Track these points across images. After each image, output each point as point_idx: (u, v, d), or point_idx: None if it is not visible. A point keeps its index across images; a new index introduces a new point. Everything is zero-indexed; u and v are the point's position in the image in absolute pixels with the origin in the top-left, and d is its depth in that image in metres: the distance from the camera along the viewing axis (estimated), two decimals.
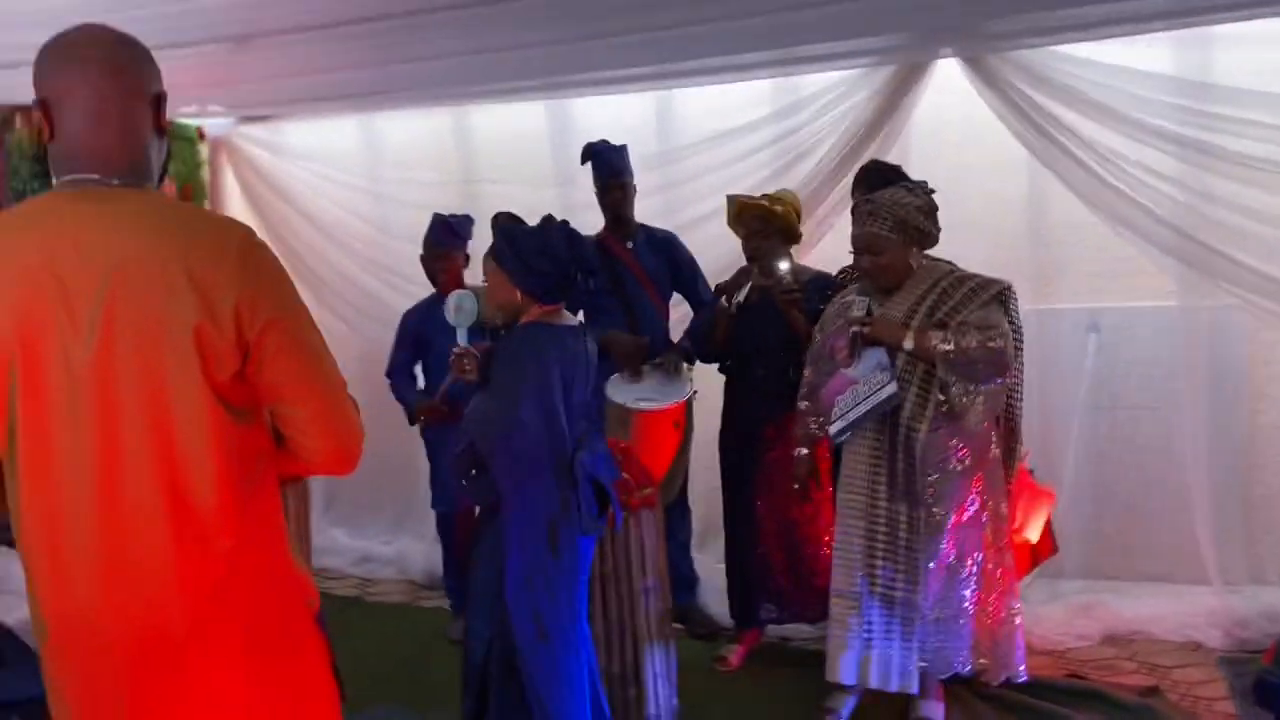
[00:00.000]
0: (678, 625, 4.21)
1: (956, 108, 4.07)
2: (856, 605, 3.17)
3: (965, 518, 3.11)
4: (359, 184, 5.22)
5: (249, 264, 1.57)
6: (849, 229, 3.24)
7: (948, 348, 2.96)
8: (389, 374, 4.18)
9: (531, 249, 2.69)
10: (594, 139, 4.11)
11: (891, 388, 3.03)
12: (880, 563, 3.13)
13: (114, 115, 1.58)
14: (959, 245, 4.12)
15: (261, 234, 5.27)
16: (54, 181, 1.62)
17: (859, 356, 3.10)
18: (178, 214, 1.64)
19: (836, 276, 3.74)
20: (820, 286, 3.68)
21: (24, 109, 4.60)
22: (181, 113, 5.13)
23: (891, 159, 3.88)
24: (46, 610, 1.58)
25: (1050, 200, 4.14)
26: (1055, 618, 3.98)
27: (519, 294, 2.74)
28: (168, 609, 1.55)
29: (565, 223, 2.78)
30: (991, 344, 2.96)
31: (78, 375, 1.50)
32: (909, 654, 3.14)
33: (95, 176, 1.56)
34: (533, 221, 4.00)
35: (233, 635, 1.60)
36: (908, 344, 3.02)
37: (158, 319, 1.51)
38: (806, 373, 3.42)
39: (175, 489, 1.53)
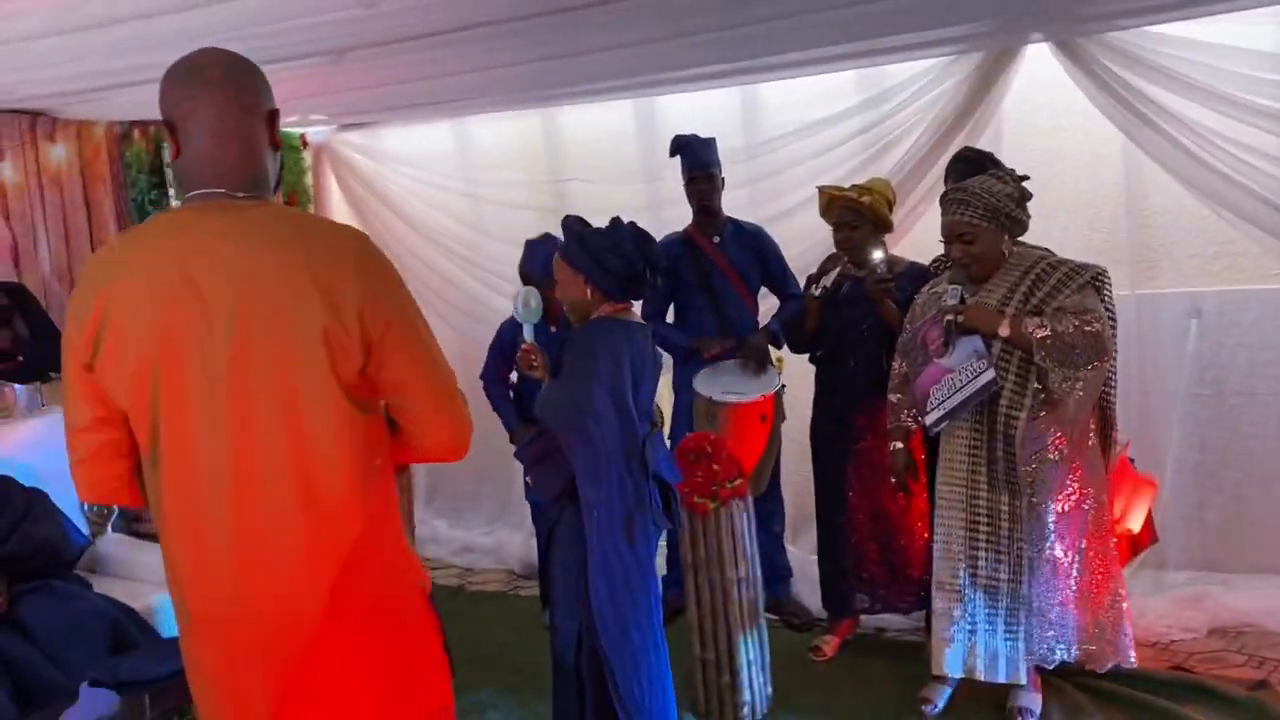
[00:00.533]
0: (772, 616, 4.26)
1: (1048, 92, 4.02)
2: (959, 597, 3.17)
3: (1065, 507, 3.08)
4: (453, 185, 5.36)
5: (366, 268, 1.66)
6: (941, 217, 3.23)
7: (1044, 333, 2.94)
8: (483, 377, 4.26)
9: (602, 247, 2.78)
10: (682, 133, 4.15)
11: (989, 374, 3.01)
12: (982, 554, 3.13)
13: (235, 132, 1.68)
14: (1055, 232, 4.09)
15: None
16: (180, 196, 1.73)
17: (953, 346, 3.08)
18: (299, 222, 1.75)
19: (929, 266, 3.73)
20: (914, 277, 3.67)
21: (141, 124, 4.85)
22: (286, 121, 5.35)
23: (982, 146, 3.85)
24: (189, 595, 1.70)
25: (1148, 183, 4.04)
26: (1159, 609, 3.90)
27: (589, 291, 2.81)
28: (301, 592, 1.66)
29: (633, 223, 2.86)
30: (1089, 328, 2.93)
31: (215, 378, 1.61)
32: (1014, 644, 3.13)
33: (221, 190, 1.67)
34: (624, 218, 4.06)
35: (360, 615, 1.70)
36: (1003, 330, 3.00)
37: (288, 322, 1.61)
38: (896, 364, 3.41)
39: (306, 480, 1.64)
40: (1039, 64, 3.94)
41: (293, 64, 3.61)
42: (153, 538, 4.52)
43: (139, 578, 3.77)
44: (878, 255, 3.60)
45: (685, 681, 3.62)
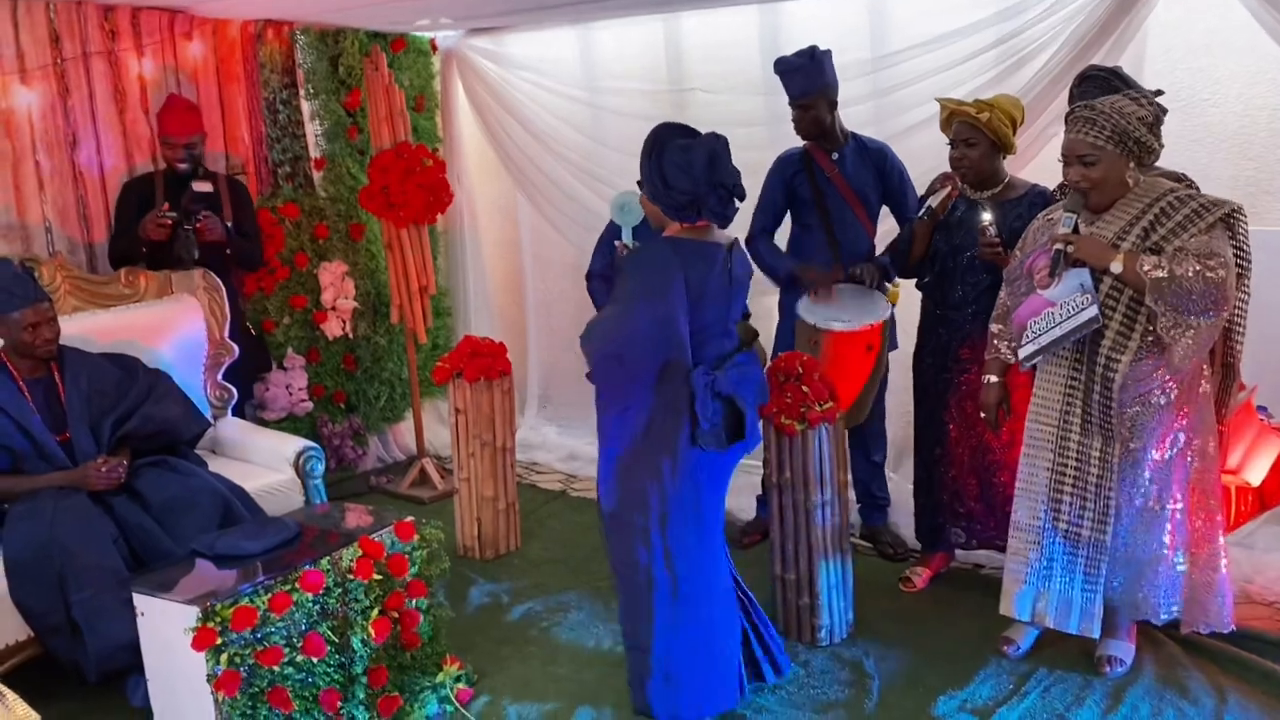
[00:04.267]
0: (867, 544, 4.21)
1: (1201, 6, 3.68)
2: (1038, 541, 3.05)
3: (1166, 455, 2.90)
4: (575, 94, 5.32)
5: None
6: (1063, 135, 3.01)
7: (1160, 274, 2.72)
8: (588, 275, 4.26)
9: (672, 165, 2.69)
10: (804, 45, 3.97)
11: (1092, 310, 2.83)
12: (1067, 499, 2.99)
13: None
14: (1202, 160, 3.79)
15: (485, 141, 5.54)
16: None
17: (1059, 277, 2.89)
18: None
19: (1053, 192, 3.51)
20: (1035, 201, 3.47)
21: (274, 24, 4.97)
22: (416, 26, 5.40)
23: (1124, 64, 3.56)
24: None
25: None
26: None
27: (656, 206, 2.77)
28: None
29: (719, 140, 2.74)
30: (1210, 274, 2.69)
31: None
32: (1092, 595, 3.00)
33: None
34: (743, 130, 3.92)
35: None
36: (1115, 266, 2.79)
37: None
38: (1002, 293, 3.25)
39: None
40: None
41: None
42: (271, 424, 4.78)
43: (252, 460, 3.99)
44: (987, 217, 3.38)
45: (766, 600, 3.63)
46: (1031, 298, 2.97)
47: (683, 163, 2.68)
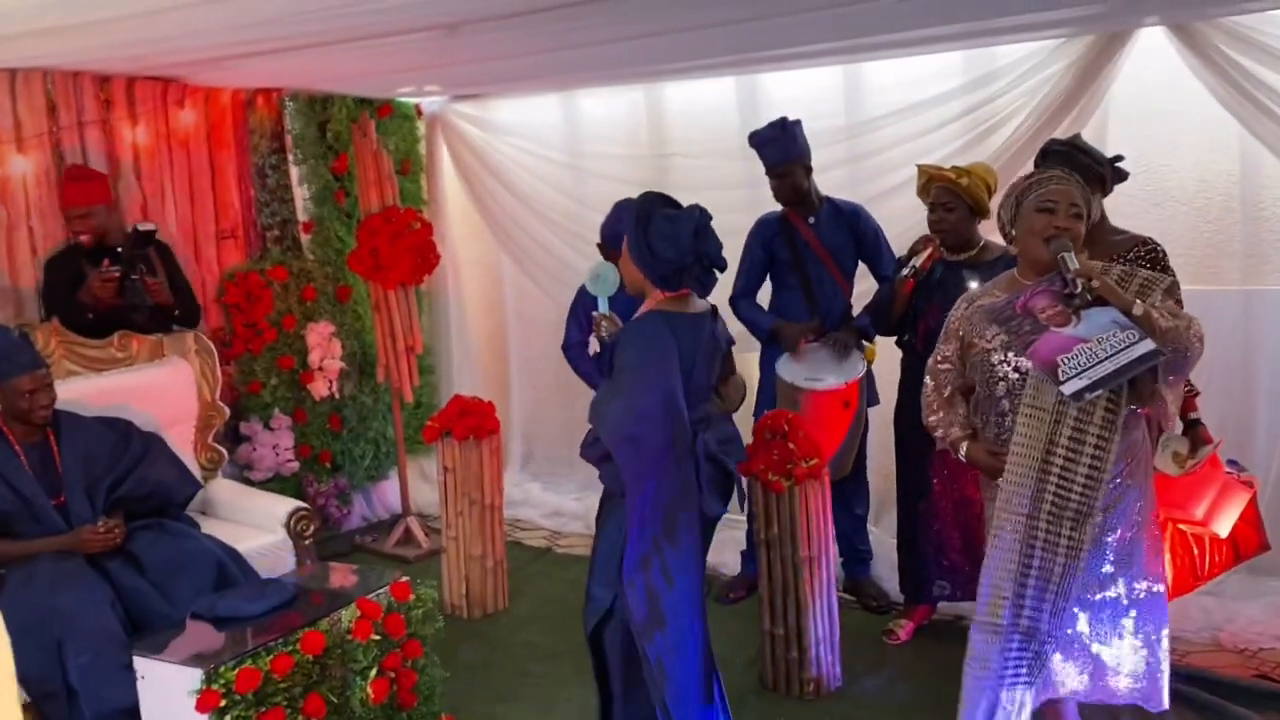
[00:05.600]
0: (850, 597, 4.28)
1: (1160, 79, 3.88)
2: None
3: (1129, 535, 2.73)
4: (558, 158, 5.46)
5: None
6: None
7: (1167, 324, 2.59)
8: (564, 346, 4.26)
9: (659, 234, 2.73)
10: (781, 112, 4.11)
11: (1147, 344, 2.56)
12: (1029, 593, 2.67)
13: None
14: (1163, 222, 3.97)
15: (469, 204, 5.60)
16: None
17: (1079, 315, 2.65)
18: None
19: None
20: (1011, 264, 3.60)
21: (264, 91, 5.09)
22: (400, 92, 5.54)
23: (1088, 133, 3.73)
24: None
25: (1264, 175, 3.89)
26: (1251, 615, 3.80)
27: (640, 274, 2.81)
28: None
29: (703, 214, 2.79)
30: (1193, 327, 2.63)
31: None
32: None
33: None
34: (722, 194, 3.97)
35: None
36: (1137, 309, 2.60)
37: None
38: (928, 386, 2.93)
39: None
40: (1151, 48, 3.80)
41: (408, 37, 3.75)
42: (258, 484, 4.82)
43: (245, 521, 4.02)
44: (974, 286, 3.39)
45: (754, 655, 3.70)
46: (1048, 335, 2.70)
47: (670, 233, 2.73)
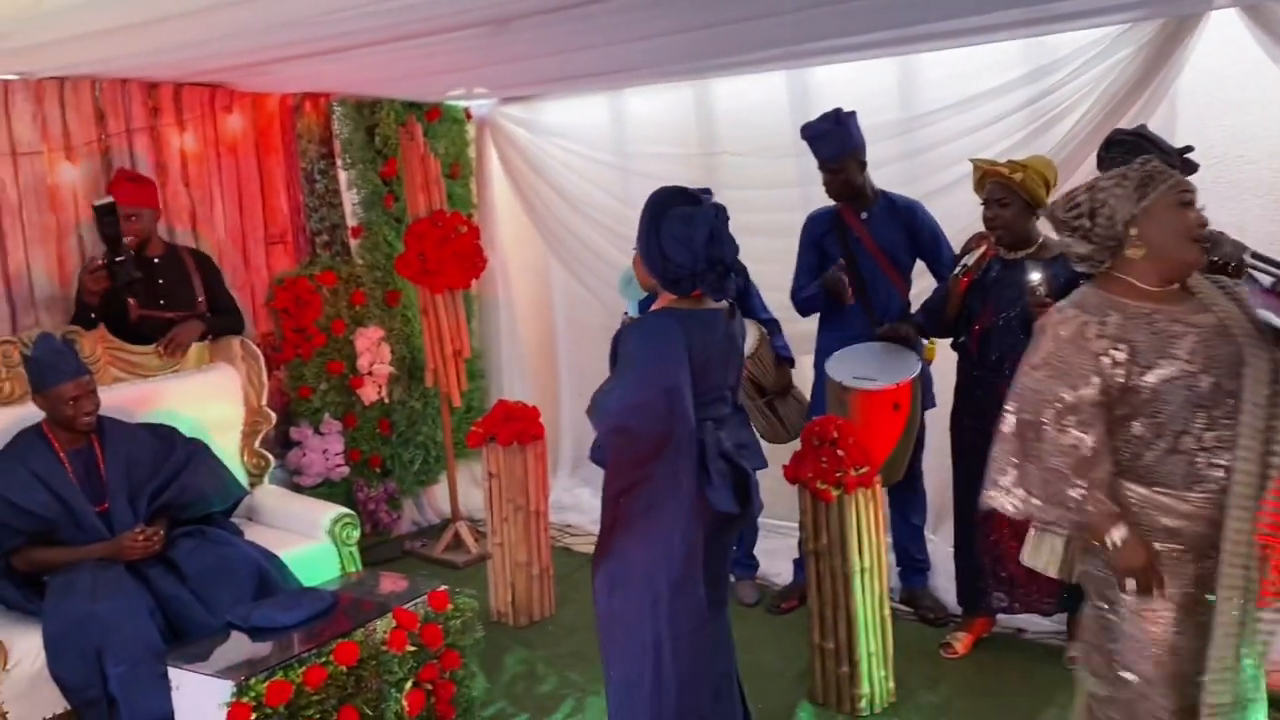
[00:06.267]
0: (906, 609, 4.14)
1: (1233, 65, 3.67)
2: None
3: None
4: (605, 159, 5.39)
5: None
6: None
7: None
8: None
9: (671, 237, 2.55)
10: (832, 108, 4.01)
11: None
12: None
13: None
14: (1237, 217, 3.75)
15: (518, 206, 5.55)
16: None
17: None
18: None
19: None
20: (1068, 263, 3.44)
21: (312, 96, 5.09)
22: (449, 95, 5.51)
23: (1155, 124, 3.56)
24: None
25: None
26: None
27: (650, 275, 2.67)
28: None
29: (719, 213, 2.61)
30: None
31: None
32: None
33: None
34: (773, 193, 3.82)
35: None
36: None
37: None
38: (1085, 439, 2.28)
39: None
40: (1223, 34, 3.60)
41: (456, 35, 3.69)
42: (307, 489, 4.81)
43: (289, 528, 3.99)
44: (1036, 276, 3.32)
45: (805, 669, 3.58)
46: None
47: (683, 236, 2.55)
